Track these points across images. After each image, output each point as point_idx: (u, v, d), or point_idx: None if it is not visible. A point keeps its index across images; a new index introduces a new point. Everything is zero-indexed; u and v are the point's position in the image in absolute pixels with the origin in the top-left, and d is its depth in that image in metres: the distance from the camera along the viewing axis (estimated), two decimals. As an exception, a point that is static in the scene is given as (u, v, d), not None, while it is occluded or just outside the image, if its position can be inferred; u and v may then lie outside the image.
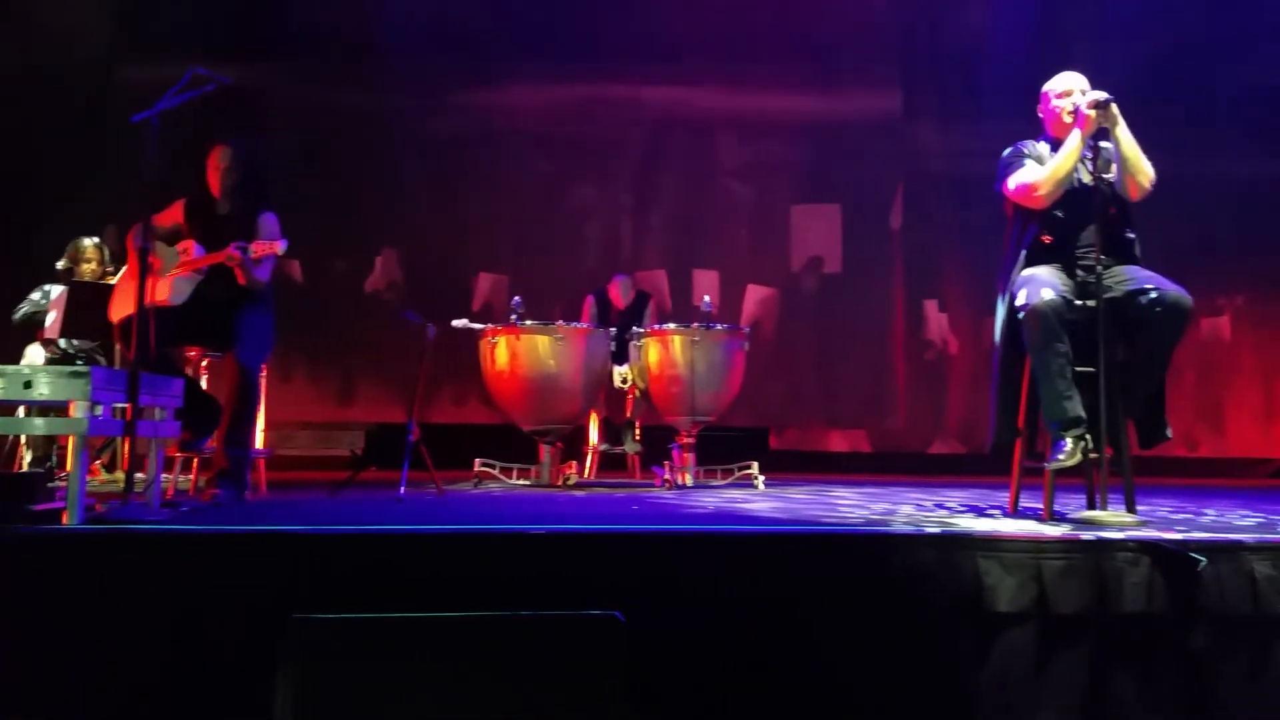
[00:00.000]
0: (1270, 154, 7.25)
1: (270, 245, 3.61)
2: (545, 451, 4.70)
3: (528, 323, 4.63)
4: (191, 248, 3.79)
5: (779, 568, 2.54)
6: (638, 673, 2.14)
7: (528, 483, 4.68)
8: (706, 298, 4.96)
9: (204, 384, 4.03)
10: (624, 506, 3.60)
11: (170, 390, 3.15)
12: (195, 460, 3.93)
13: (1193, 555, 2.59)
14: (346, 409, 6.94)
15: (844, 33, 7.15)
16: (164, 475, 3.55)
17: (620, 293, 5.72)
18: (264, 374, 3.95)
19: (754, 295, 7.15)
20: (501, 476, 4.74)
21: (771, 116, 7.15)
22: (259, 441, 3.97)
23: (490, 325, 4.74)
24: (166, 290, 3.72)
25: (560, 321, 4.71)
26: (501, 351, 4.61)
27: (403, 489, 3.86)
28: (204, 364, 4.05)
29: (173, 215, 3.86)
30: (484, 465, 4.74)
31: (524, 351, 4.55)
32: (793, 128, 7.16)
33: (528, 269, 6.91)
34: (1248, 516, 3.46)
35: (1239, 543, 2.64)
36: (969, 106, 6.74)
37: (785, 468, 6.44)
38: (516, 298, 4.78)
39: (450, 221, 6.98)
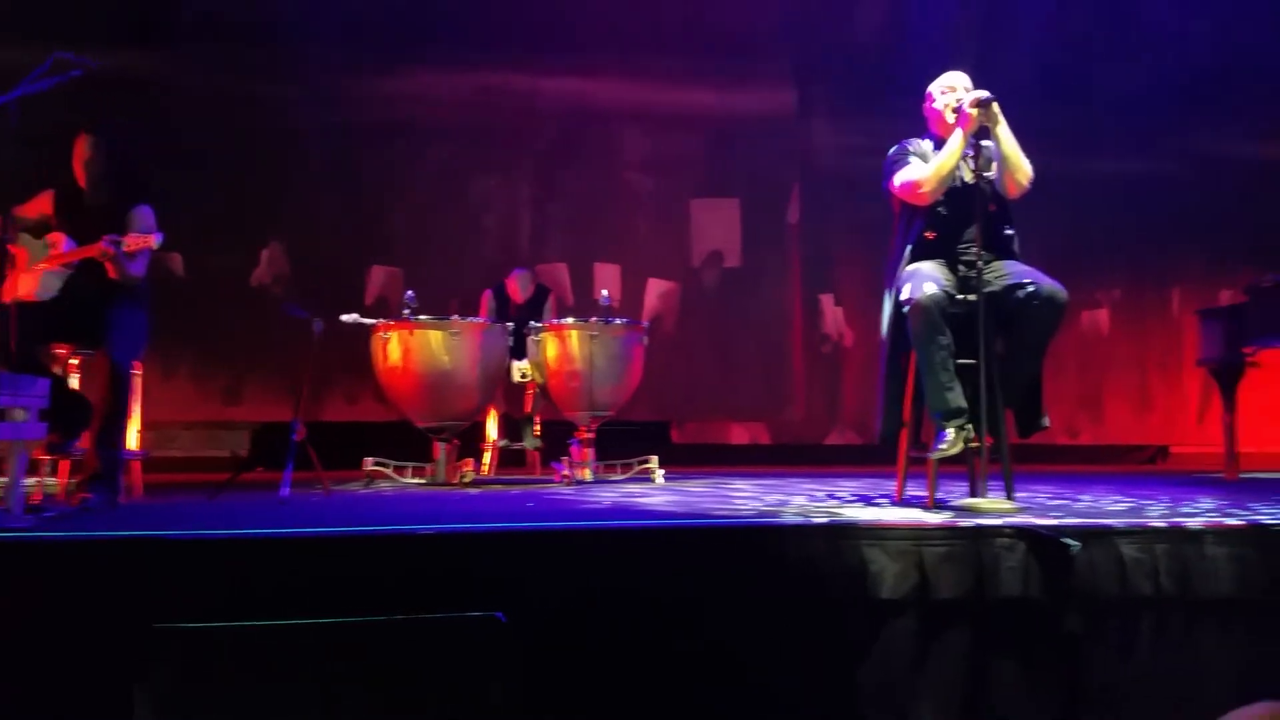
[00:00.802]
0: (1142, 154, 7.60)
1: (144, 238, 3.46)
2: (440, 449, 4.61)
3: (421, 317, 4.53)
4: (61, 240, 3.61)
5: (669, 562, 2.54)
6: (529, 673, 2.12)
7: (422, 481, 4.59)
8: (604, 292, 4.95)
9: (75, 383, 3.84)
10: (519, 504, 3.57)
11: (35, 390, 2.98)
12: (65, 463, 3.74)
13: (1065, 540, 2.69)
14: (233, 408, 6.69)
15: (741, 29, 7.20)
16: (31, 479, 3.37)
17: (519, 287, 5.66)
18: (139, 372, 3.78)
19: (655, 289, 7.17)
20: (394, 475, 4.64)
21: (672, 110, 7.16)
22: (133, 442, 3.80)
23: (382, 320, 4.63)
24: (34, 284, 3.53)
25: (456, 316, 4.63)
26: (394, 347, 4.51)
27: (286, 490, 3.74)
28: (74, 362, 3.85)
29: (39, 206, 3.67)
30: (376, 464, 4.63)
31: (417, 347, 4.46)
32: (693, 122, 7.19)
33: (424, 262, 6.75)
34: (1120, 501, 3.61)
35: (1109, 527, 2.75)
36: (861, 104, 6.88)
37: (686, 461, 6.48)
38: (409, 292, 4.68)
39: (341, 213, 6.77)
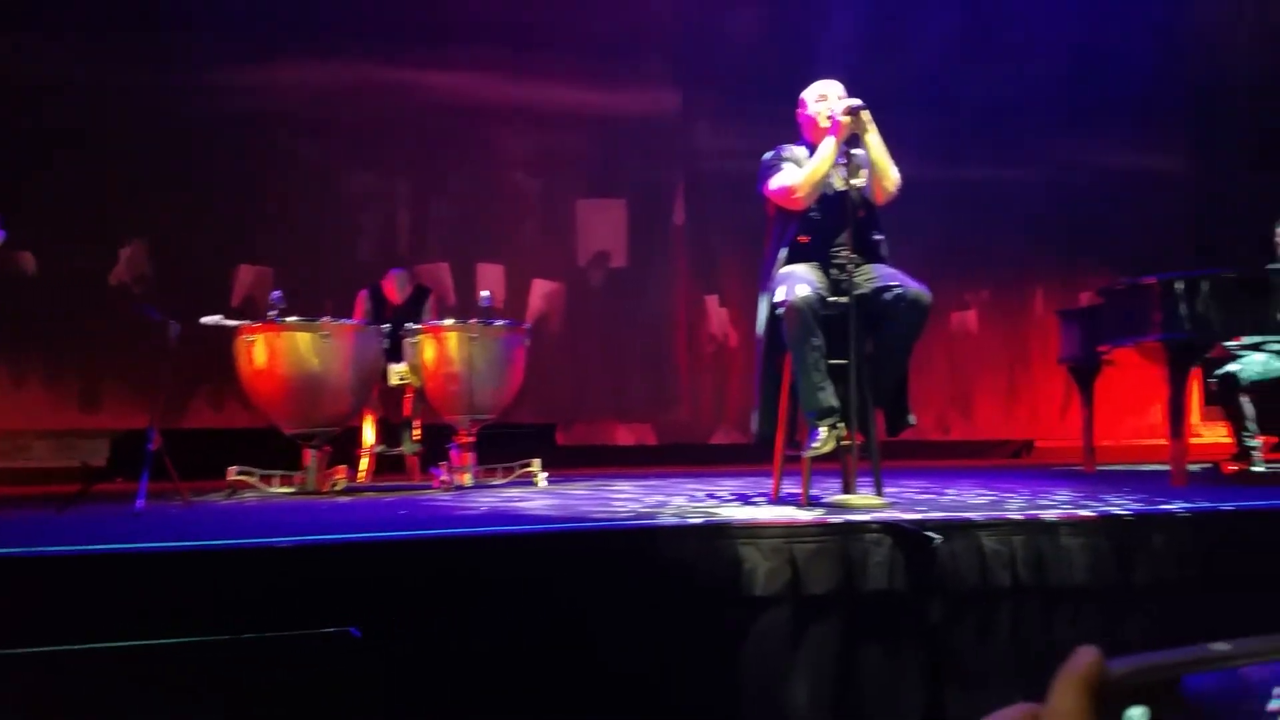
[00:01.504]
0: (1004, 162, 7.95)
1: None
2: (311, 456, 4.46)
3: (289, 319, 4.38)
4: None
5: (540, 567, 2.53)
6: (390, 690, 2.07)
7: (290, 490, 4.42)
8: (485, 293, 4.87)
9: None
10: (390, 512, 3.49)
11: None
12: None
13: (928, 534, 2.78)
14: (92, 415, 6.32)
15: (624, 29, 7.22)
16: None
17: (396, 287, 5.52)
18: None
19: (540, 289, 7.12)
20: (260, 485, 4.45)
21: (555, 109, 7.12)
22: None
23: (247, 322, 4.45)
24: None
25: (327, 318, 4.48)
26: (260, 350, 4.33)
27: (140, 502, 3.56)
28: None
29: None
30: (241, 473, 4.44)
31: (284, 350, 4.30)
32: (577, 121, 7.16)
33: (295, 262, 6.49)
34: (982, 495, 3.76)
35: (969, 520, 2.86)
36: (743, 107, 6.98)
37: (572, 463, 6.46)
38: (276, 292, 4.51)
39: (206, 210, 6.46)
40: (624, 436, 7.29)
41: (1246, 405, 4.87)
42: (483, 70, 6.95)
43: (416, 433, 5.12)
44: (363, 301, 5.50)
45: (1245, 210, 7.43)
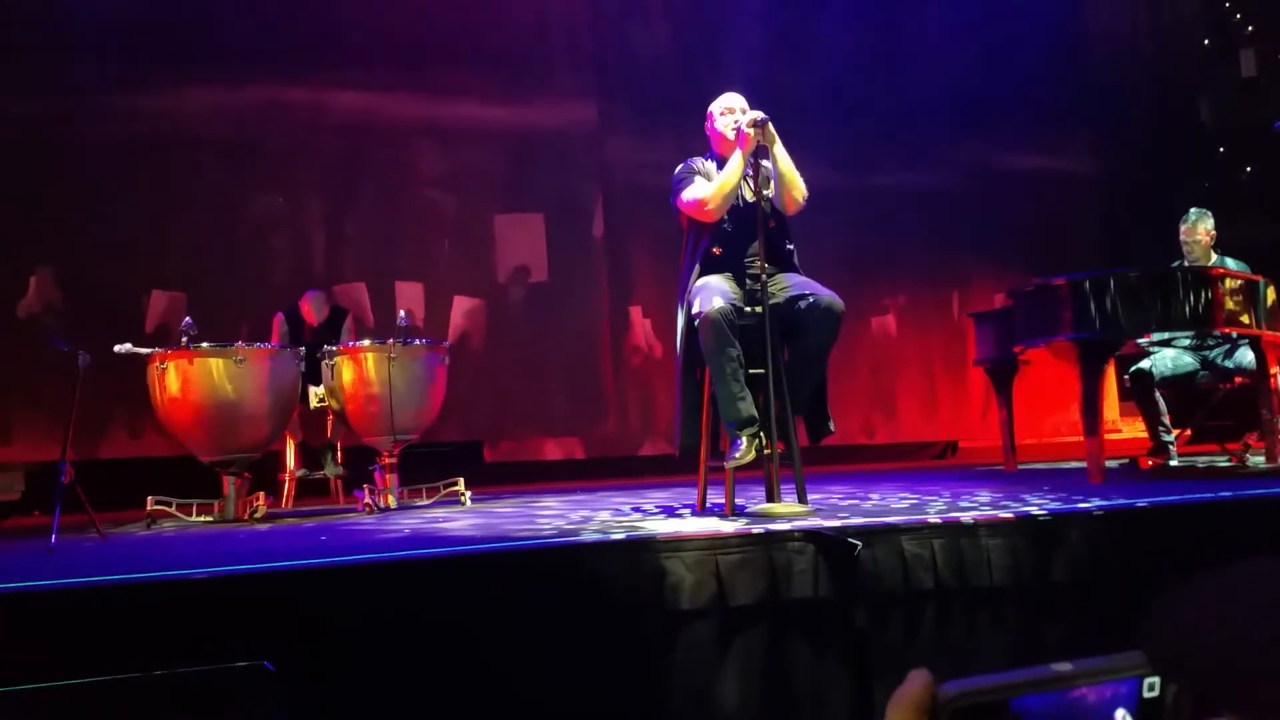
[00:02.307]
0: (915, 168, 8.11)
1: None
2: (229, 483, 4.34)
3: (202, 345, 4.25)
4: None
5: (462, 589, 2.48)
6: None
7: (209, 519, 4.30)
8: (403, 312, 4.81)
9: None
10: (311, 538, 3.41)
11: None
12: None
13: (850, 540, 2.80)
14: (3, 448, 6.08)
15: (536, 45, 7.18)
16: None
17: (313, 309, 5.41)
18: None
19: (460, 306, 7.02)
20: (179, 514, 4.32)
21: (469, 125, 7.04)
22: None
23: (158, 349, 4.32)
24: None
25: (241, 343, 4.37)
26: (172, 378, 4.20)
27: (54, 538, 3.43)
28: None
29: None
30: (158, 503, 4.30)
31: (198, 377, 4.18)
32: (492, 137, 7.09)
33: (209, 286, 6.30)
34: (905, 499, 3.81)
35: (891, 525, 2.88)
36: (660, 120, 7.00)
37: (501, 480, 6.39)
38: (187, 319, 4.39)
39: (116, 236, 6.23)
40: (552, 451, 7.23)
41: (1160, 400, 5.02)
42: (393, 88, 6.83)
43: (339, 455, 5.01)
44: (279, 324, 5.38)
45: (1152, 210, 7.71)
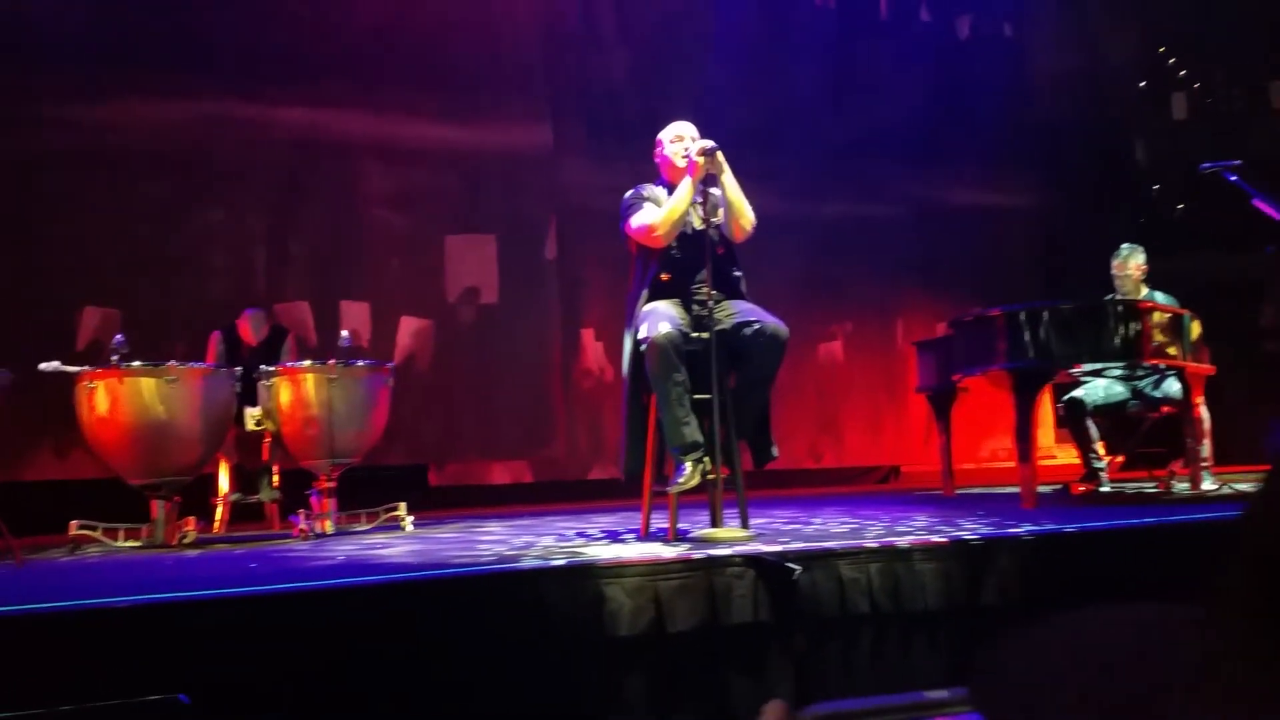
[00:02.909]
0: (865, 199, 8.28)
1: None
2: (158, 507, 4.22)
3: (133, 363, 4.15)
4: None
5: (394, 618, 2.45)
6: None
7: (137, 544, 4.17)
8: (345, 332, 4.75)
9: None
10: (240, 565, 3.34)
11: None
12: None
13: (789, 565, 2.82)
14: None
15: (493, 66, 7.20)
16: None
17: (251, 328, 5.32)
18: None
19: (408, 327, 6.96)
20: (104, 539, 4.18)
21: (421, 145, 7.00)
22: None
23: (87, 368, 4.20)
24: None
25: (174, 361, 4.25)
26: (101, 397, 4.08)
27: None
28: None
29: None
30: (83, 526, 4.15)
31: (128, 396, 4.07)
32: (444, 157, 7.05)
33: (144, 303, 6.14)
34: (846, 523, 3.85)
35: (829, 550, 2.91)
36: (615, 144, 7.05)
37: (447, 504, 6.33)
38: (119, 336, 4.27)
39: (47, 250, 6.08)
40: (500, 475, 7.19)
41: (1092, 428, 5.16)
42: (344, 105, 6.78)
43: (275, 479, 4.92)
44: (215, 343, 5.28)
45: (1088, 244, 7.92)
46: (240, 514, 4.98)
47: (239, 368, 4.59)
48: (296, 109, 6.64)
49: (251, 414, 4.61)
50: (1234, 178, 4.81)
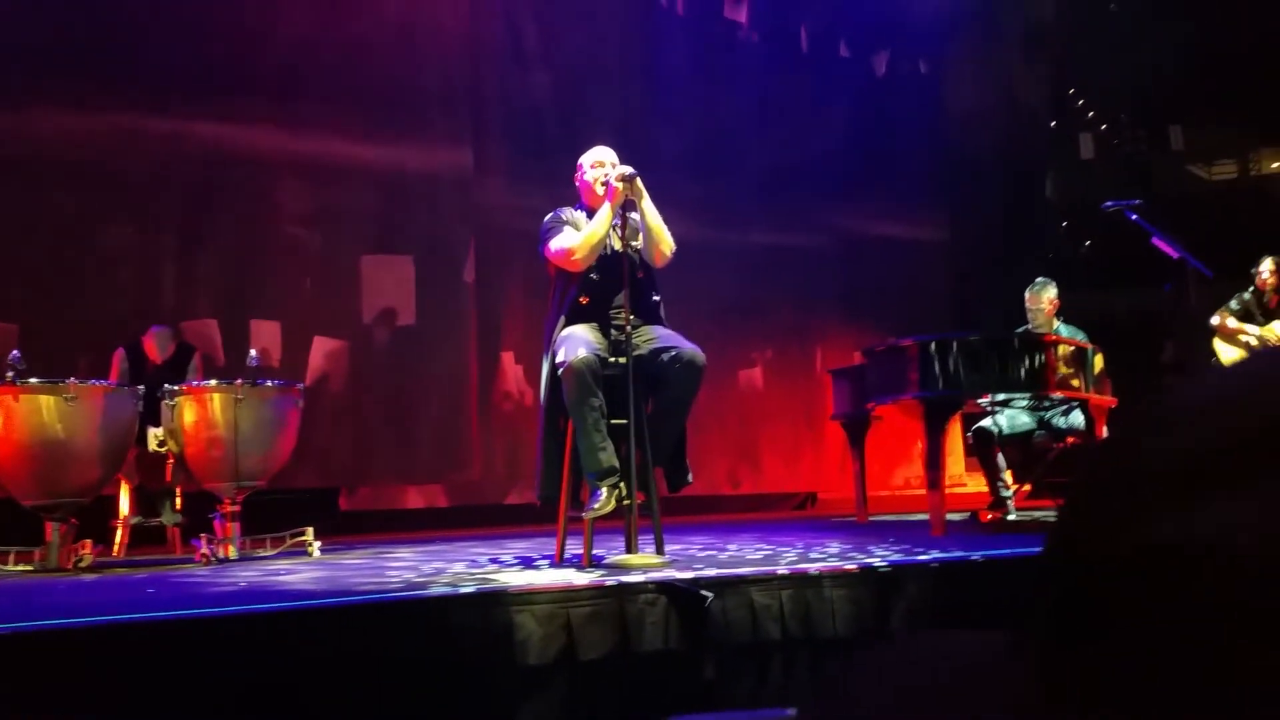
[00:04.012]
0: (786, 228, 8.42)
1: None
2: (53, 530, 4.03)
3: (30, 380, 3.97)
4: None
5: (291, 648, 2.36)
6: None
7: (29, 568, 3.98)
8: (253, 352, 4.62)
9: None
10: (136, 591, 3.20)
11: None
12: None
13: (702, 592, 2.82)
14: None
15: (414, 85, 7.12)
16: None
17: (157, 345, 5.15)
18: None
19: (321, 347, 6.78)
20: (-6, 562, 3.99)
21: (338, 163, 6.86)
22: None
23: (-21, 385, 4.01)
24: None
25: (73, 379, 4.08)
26: (-6, 415, 3.91)
27: None
28: None
29: None
30: (-28, 550, 3.97)
31: (23, 414, 3.89)
32: (361, 176, 6.92)
33: (46, 318, 5.89)
34: (760, 549, 3.86)
35: (741, 576, 2.92)
36: (536, 165, 7.02)
37: (360, 529, 6.18)
38: (15, 352, 4.10)
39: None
40: (414, 499, 7.05)
41: (1000, 457, 5.29)
42: (258, 121, 6.62)
43: (178, 502, 4.75)
44: (119, 361, 5.10)
45: (1000, 276, 8.18)
46: (140, 537, 4.80)
47: (142, 386, 4.43)
48: (210, 124, 6.45)
49: (154, 434, 4.45)
50: (1135, 216, 5.01)
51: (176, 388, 4.41)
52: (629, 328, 3.34)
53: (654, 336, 3.47)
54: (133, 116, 6.27)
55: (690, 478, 3.57)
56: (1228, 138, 9.63)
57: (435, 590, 2.74)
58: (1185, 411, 0.36)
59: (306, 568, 3.84)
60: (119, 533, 4.63)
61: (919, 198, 9.05)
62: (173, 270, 6.43)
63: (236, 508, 4.34)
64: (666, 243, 3.54)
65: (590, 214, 3.55)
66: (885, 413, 5.25)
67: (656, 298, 3.63)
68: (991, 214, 9.21)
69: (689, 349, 3.40)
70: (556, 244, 3.52)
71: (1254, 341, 5.63)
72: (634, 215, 3.51)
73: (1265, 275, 5.70)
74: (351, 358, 6.85)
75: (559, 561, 3.53)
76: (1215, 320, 5.67)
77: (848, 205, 8.71)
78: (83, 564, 4.01)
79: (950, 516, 4.60)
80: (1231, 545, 0.32)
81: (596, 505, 3.30)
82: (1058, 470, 5.66)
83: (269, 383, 4.46)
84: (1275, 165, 9.78)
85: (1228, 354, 5.69)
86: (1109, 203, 5.11)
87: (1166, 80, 8.83)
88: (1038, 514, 5.53)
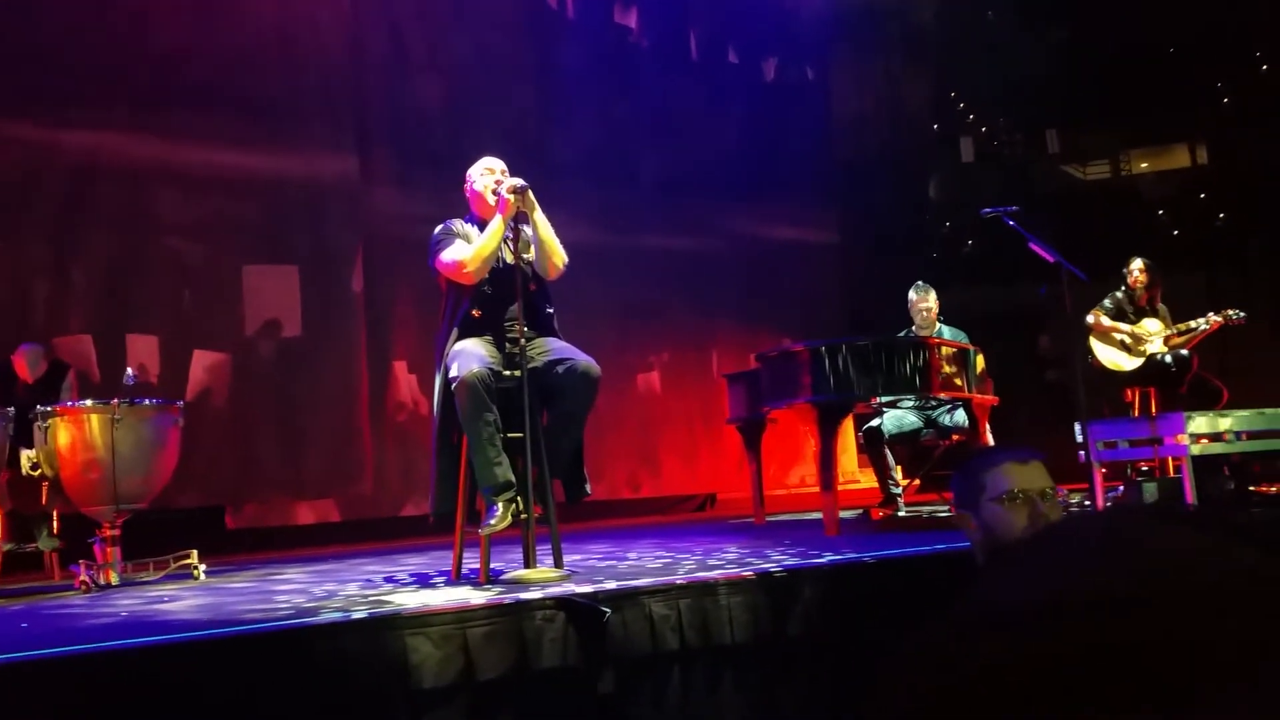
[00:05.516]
0: (681, 232, 8.50)
1: None
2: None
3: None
4: None
5: (174, 681, 2.27)
6: None
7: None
8: (130, 370, 4.43)
9: None
10: (11, 625, 3.02)
11: None
12: None
13: (601, 607, 2.81)
14: None
15: (295, 91, 6.91)
16: None
17: (27, 364, 4.89)
18: None
19: (201, 361, 6.51)
20: None
21: (217, 172, 6.59)
22: None
23: None
24: None
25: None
26: None
27: None
28: None
29: None
30: None
31: (-124, 442, 3.65)
32: (241, 185, 6.67)
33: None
34: (659, 557, 3.88)
35: (639, 589, 2.92)
36: (425, 173, 6.91)
37: (246, 548, 5.97)
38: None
39: None
40: (304, 515, 6.84)
41: (889, 456, 5.44)
42: (132, 130, 6.31)
43: (54, 526, 4.51)
44: (-11, 380, 4.83)
45: (888, 278, 8.41)
46: (15, 564, 4.57)
47: (13, 407, 4.20)
48: (82, 132, 6.14)
49: (27, 456, 4.22)
50: (1012, 222, 5.22)
51: (49, 408, 4.19)
52: (523, 340, 3.32)
53: (548, 349, 3.44)
54: (-1, 126, 5.91)
55: (589, 488, 3.55)
56: (1101, 139, 10.12)
57: (326, 616, 2.66)
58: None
59: (191, 593, 3.68)
60: (-11, 561, 4.37)
61: (810, 201, 9.25)
62: (44, 285, 6.10)
63: (116, 531, 4.14)
64: (559, 255, 3.52)
65: (481, 225, 3.51)
66: (780, 416, 5.34)
67: (550, 310, 3.60)
68: (879, 216, 9.47)
69: (584, 360, 3.39)
70: (448, 256, 3.46)
71: (1127, 339, 5.92)
72: (526, 228, 3.48)
73: (1136, 275, 5.99)
74: (234, 371, 6.61)
75: (455, 578, 3.47)
76: (1090, 319, 5.94)
77: (742, 209, 8.84)
78: (-51, 598, 3.77)
79: (844, 514, 4.70)
80: None
81: (493, 521, 3.26)
82: (944, 466, 5.86)
83: (148, 401, 4.27)
84: (1145, 165, 10.32)
85: (1103, 352, 5.97)
86: (987, 209, 5.30)
87: (1043, 85, 9.21)
88: (925, 510, 5.71)
